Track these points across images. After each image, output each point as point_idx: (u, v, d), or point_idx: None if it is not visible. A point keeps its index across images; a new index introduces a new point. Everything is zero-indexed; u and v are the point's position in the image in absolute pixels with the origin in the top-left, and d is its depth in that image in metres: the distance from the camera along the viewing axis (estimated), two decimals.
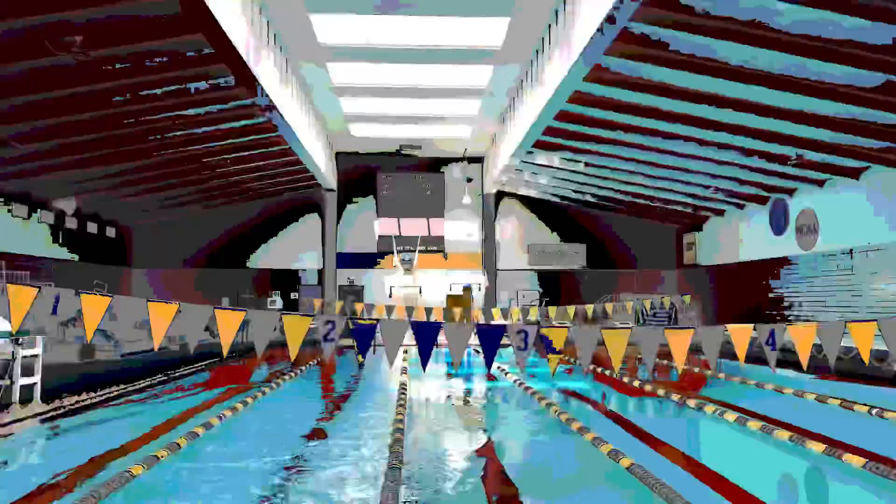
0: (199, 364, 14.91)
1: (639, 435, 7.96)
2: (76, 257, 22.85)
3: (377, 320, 5.67)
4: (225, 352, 5.40)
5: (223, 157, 20.85)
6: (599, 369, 13.40)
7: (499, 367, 14.36)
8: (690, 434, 8.76)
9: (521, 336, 5.90)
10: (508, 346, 6.07)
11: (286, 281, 27.96)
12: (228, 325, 5.31)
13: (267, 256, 27.85)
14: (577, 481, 6.09)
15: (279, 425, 8.39)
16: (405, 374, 13.01)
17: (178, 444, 6.32)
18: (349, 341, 5.82)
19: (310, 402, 10.64)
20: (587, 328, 6.46)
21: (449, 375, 13.77)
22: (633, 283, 27.15)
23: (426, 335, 5.82)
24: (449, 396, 11.78)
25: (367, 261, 28.14)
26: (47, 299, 5.61)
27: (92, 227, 23.88)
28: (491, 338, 5.90)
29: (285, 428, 8.13)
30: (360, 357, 5.62)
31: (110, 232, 25.35)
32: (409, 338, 6.02)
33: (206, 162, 20.79)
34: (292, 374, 12.82)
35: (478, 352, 16.72)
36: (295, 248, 27.90)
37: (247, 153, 20.91)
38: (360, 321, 5.64)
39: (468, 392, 12.41)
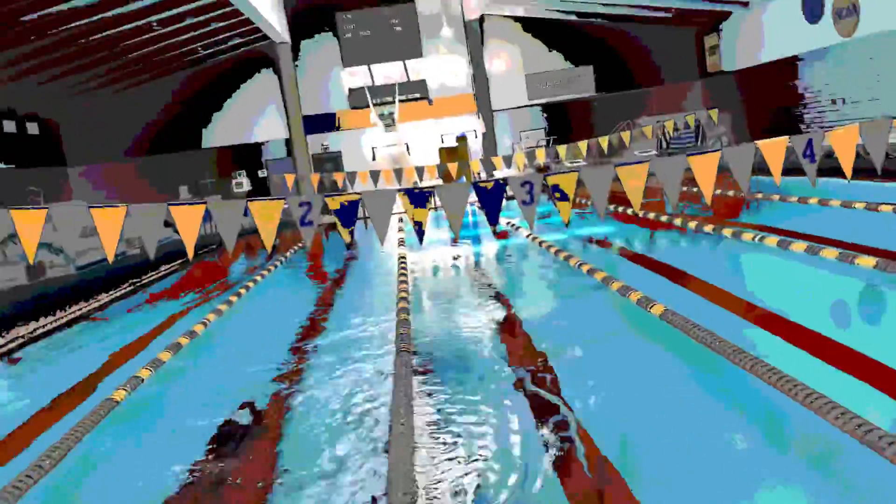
0: (167, 267, 15.13)
1: (671, 276, 8.18)
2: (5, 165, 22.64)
3: (359, 194, 5.68)
4: (190, 252, 5.46)
5: (146, 21, 20.17)
6: (620, 209, 13.54)
7: (509, 223, 14.53)
8: (728, 267, 8.98)
9: (525, 189, 5.93)
10: (514, 198, 6.11)
11: (250, 157, 27.75)
12: (188, 221, 5.34)
13: (222, 132, 27.47)
14: (608, 336, 6.32)
15: (271, 322, 8.62)
16: (402, 245, 13.22)
17: (161, 360, 6.52)
18: (333, 218, 5.84)
19: (300, 291, 10.89)
20: (598, 168, 6.48)
21: (454, 241, 13.96)
22: (652, 104, 26.85)
23: (417, 203, 5.85)
24: (456, 263, 12.00)
25: (340, 121, 27.82)
26: None
27: (9, 126, 23.38)
28: (491, 196, 5.93)
29: (278, 324, 8.35)
30: (347, 237, 5.67)
31: (32, 128, 24.81)
32: (399, 207, 6.08)
33: (124, 30, 20.15)
34: (275, 264, 13.01)
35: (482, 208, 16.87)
36: (253, 117, 27.47)
37: (173, 11, 20.22)
38: (337, 197, 5.65)
39: (477, 255, 12.64)
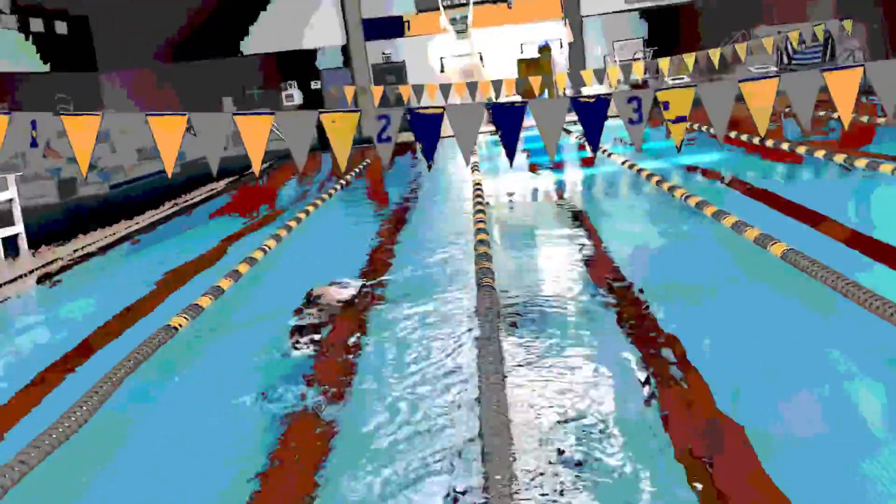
0: (211, 186, 15.51)
1: (794, 212, 8.11)
2: (42, 65, 23.19)
3: (442, 107, 5.75)
4: (257, 167, 5.63)
5: None
6: (733, 133, 13.34)
7: (602, 150, 14.49)
8: (860, 204, 8.85)
9: (632, 106, 5.91)
10: (615, 116, 6.12)
11: (301, 66, 27.88)
12: (255, 134, 5.48)
13: (268, 35, 27.56)
14: (719, 281, 6.33)
15: (338, 252, 8.84)
16: (476, 170, 13.29)
17: (221, 288, 6.78)
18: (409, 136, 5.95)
19: (366, 221, 11.07)
20: (719, 84, 6.40)
21: (533, 167, 13.99)
22: (771, 11, 26.00)
23: (508, 120, 5.90)
24: (538, 192, 12.05)
25: (405, 26, 27.67)
26: (19, 127, 5.85)
27: (36, 24, 23.86)
28: (593, 112, 5.93)
29: (345, 255, 8.57)
30: (426, 159, 5.78)
31: (60, 27, 25.30)
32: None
33: None
34: (336, 187, 13.23)
35: (568, 132, 16.81)
36: (304, 18, 27.49)
37: None
38: (421, 111, 5.74)
39: (562, 185, 12.65)
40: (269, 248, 8.59)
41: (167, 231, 11.56)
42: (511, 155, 5.96)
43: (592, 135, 6.00)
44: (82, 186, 15.00)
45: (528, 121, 5.97)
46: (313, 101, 27.73)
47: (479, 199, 10.24)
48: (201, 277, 7.75)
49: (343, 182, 13.96)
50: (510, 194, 11.82)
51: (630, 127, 6.02)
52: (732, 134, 13.26)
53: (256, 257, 8.05)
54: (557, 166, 13.96)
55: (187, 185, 15.02)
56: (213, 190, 15.32)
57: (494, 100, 18.09)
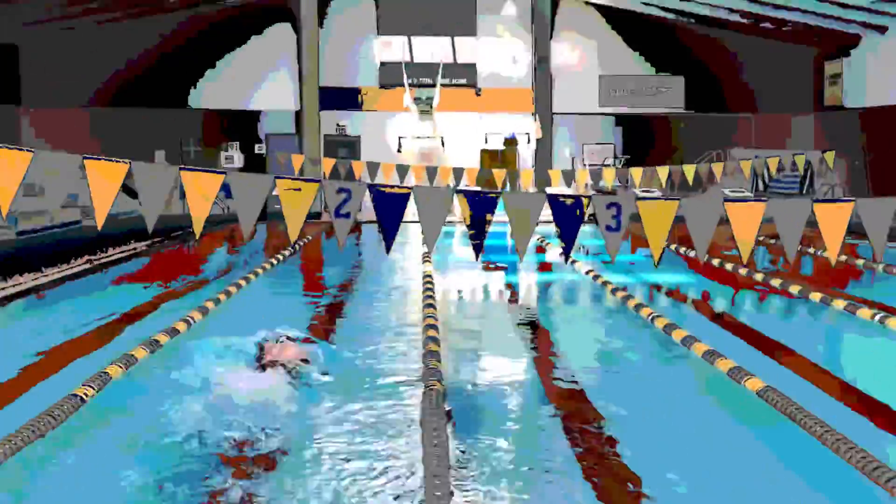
0: (131, 246, 15.22)
1: (767, 349, 8.14)
2: None
3: (408, 188, 5.71)
4: (198, 229, 5.50)
5: None
6: (690, 252, 13.55)
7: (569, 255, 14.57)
8: (839, 347, 8.94)
9: (611, 212, 5.93)
10: (592, 222, 6.17)
11: (246, 127, 27.95)
12: (201, 192, 5.38)
13: (217, 90, 27.66)
14: (689, 411, 6.29)
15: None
16: (428, 261, 13.26)
17: (134, 357, 6.55)
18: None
19: (301, 303, 10.90)
20: (703, 200, 6.48)
21: (489, 265, 14.02)
22: (750, 134, 26.91)
23: (478, 209, 5.87)
24: (491, 292, 12.03)
25: (364, 99, 27.99)
26: None
27: None
28: (569, 213, 5.94)
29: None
30: (386, 243, 5.72)
31: None
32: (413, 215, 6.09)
33: None
34: (268, 263, 13.07)
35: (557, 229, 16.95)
36: (256, 79, 27.66)
37: None
38: (385, 189, 5.69)
39: (519, 288, 12.66)
40: (193, 320, 8.38)
41: (76, 289, 11.27)
42: (479, 248, 5.92)
43: (567, 237, 5.99)
44: None
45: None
46: (254, 166, 27.65)
47: (430, 293, 10.17)
48: (113, 343, 7.53)
49: (278, 257, 13.81)
50: (460, 291, 11.80)
51: (607, 234, 6.04)
52: (691, 253, 13.47)
53: (178, 328, 7.85)
54: (509, 267, 14.01)
55: (103, 240, 14.70)
56: (133, 249, 15.04)
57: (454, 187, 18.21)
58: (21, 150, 5.29)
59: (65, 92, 26.64)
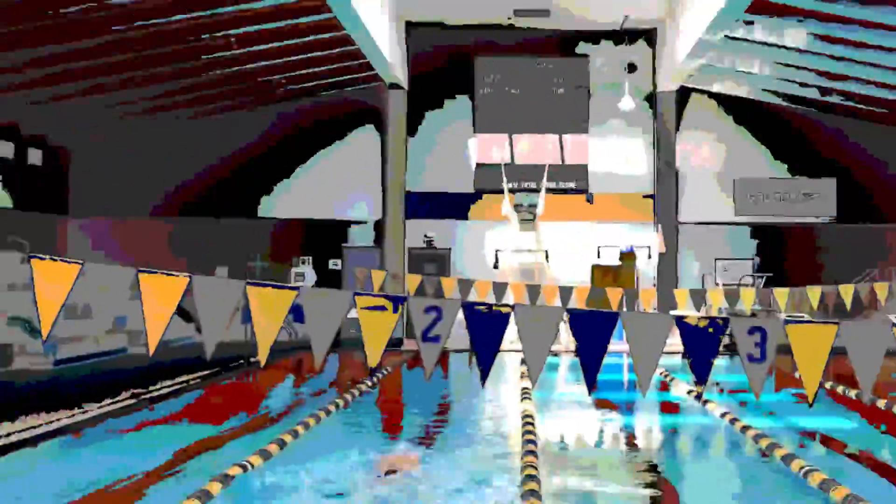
0: (181, 378, 15.41)
1: None
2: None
3: (509, 306, 5.71)
4: (263, 356, 5.56)
5: (222, 34, 21.23)
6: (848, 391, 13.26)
7: (693, 391, 14.32)
8: None
9: (754, 338, 5.84)
10: (728, 352, 6.08)
11: (322, 239, 28.42)
12: (269, 312, 5.45)
13: (290, 200, 28.32)
14: None
15: (337, 483, 8.62)
16: (527, 398, 13.15)
17: None
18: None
19: (375, 449, 10.84)
20: (866, 323, 6.35)
21: (602, 403, 13.84)
22: None
23: (591, 333, 5.83)
24: (605, 437, 11.84)
25: (457, 207, 28.25)
26: None
27: (5, 149, 24.47)
28: (703, 340, 5.86)
29: (345, 485, 8.35)
30: (481, 371, 5.71)
31: (34, 157, 26.03)
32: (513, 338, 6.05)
33: (191, 42, 21.21)
34: (342, 399, 13.12)
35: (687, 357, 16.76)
36: (335, 186, 28.24)
37: (260, 27, 21.22)
38: (481, 308, 5.70)
39: (633, 434, 12.44)
40: (252, 465, 8.42)
41: (118, 427, 11.42)
42: (592, 380, 5.86)
43: (700, 370, 5.90)
44: (19, 356, 14.95)
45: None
46: (328, 284, 27.95)
47: (530, 438, 10.05)
48: (156, 491, 7.57)
49: (353, 392, 13.85)
50: (566, 436, 11.67)
51: (749, 366, 5.93)
52: (849, 392, 13.18)
53: (231, 474, 7.88)
54: (627, 407, 13.82)
55: (151, 371, 14.91)
56: (185, 383, 15.25)
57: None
58: (67, 261, 5.44)
59: (115, 199, 27.60)
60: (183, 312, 5.81)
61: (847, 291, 16.82)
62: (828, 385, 13.63)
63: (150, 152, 27.89)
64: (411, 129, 28.22)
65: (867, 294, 17.35)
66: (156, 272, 5.52)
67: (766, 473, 9.59)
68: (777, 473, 9.24)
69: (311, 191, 28.16)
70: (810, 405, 6.17)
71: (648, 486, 9.26)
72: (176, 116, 27.13)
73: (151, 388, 14.33)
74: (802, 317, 20.65)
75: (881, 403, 12.68)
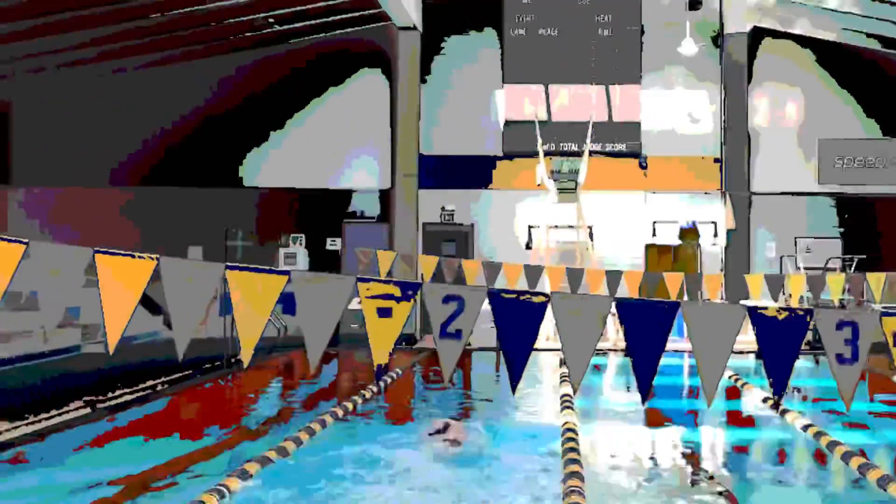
0: (147, 384, 15.45)
1: None
2: None
3: (547, 295, 5.72)
4: (248, 356, 5.58)
5: None
6: None
7: (767, 399, 14.32)
8: None
9: (843, 334, 5.84)
10: (812, 351, 6.08)
11: (318, 213, 28.45)
12: (255, 301, 5.47)
13: (278, 164, 28.33)
14: None
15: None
16: (569, 407, 13.15)
17: None
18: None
19: (381, 470, 10.87)
20: None
21: (655, 417, 13.84)
22: None
23: (645, 328, 5.84)
24: (658, 459, 11.86)
25: (482, 174, 28.24)
26: None
27: None
28: (782, 336, 5.86)
29: None
30: (511, 376, 5.72)
31: None
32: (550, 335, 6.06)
33: None
34: (343, 409, 13.14)
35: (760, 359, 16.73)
36: (335, 149, 28.23)
37: None
38: (510, 296, 5.72)
39: (696, 452, 12.44)
40: (229, 489, 8.45)
41: (69, 443, 11.45)
42: (647, 385, 5.87)
43: (777, 373, 5.90)
44: None
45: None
46: (324, 267, 27.95)
47: (573, 456, 10.05)
48: None
49: (356, 399, 13.86)
50: (616, 456, 11.66)
51: (838, 369, 5.93)
52: None
53: (205, 502, 7.92)
54: (688, 418, 13.81)
55: (111, 374, 14.92)
56: (151, 388, 15.28)
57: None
58: (8, 240, 5.45)
59: (68, 165, 27.63)
60: (149, 302, 5.81)
61: None
62: None
63: (107, 109, 27.91)
64: (426, 80, 28.20)
65: None
66: (116, 253, 5.53)
67: (859, 500, 9.59)
68: (872, 501, 9.24)
69: (303, 153, 28.21)
70: None
71: None
72: (139, 65, 27.13)
73: (110, 394, 14.36)
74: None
75: None
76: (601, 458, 11.46)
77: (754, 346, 5.96)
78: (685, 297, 18.92)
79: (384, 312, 5.66)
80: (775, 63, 27.85)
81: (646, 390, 5.96)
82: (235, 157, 28.39)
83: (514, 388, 5.91)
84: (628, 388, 15.78)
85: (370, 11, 26.18)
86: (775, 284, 18.56)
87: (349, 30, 27.74)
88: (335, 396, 14.86)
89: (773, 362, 5.93)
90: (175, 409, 14.43)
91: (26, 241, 5.53)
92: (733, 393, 15.59)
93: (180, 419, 13.85)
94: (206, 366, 16.85)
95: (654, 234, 27.51)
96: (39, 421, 12.14)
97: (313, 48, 28.19)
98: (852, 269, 25.24)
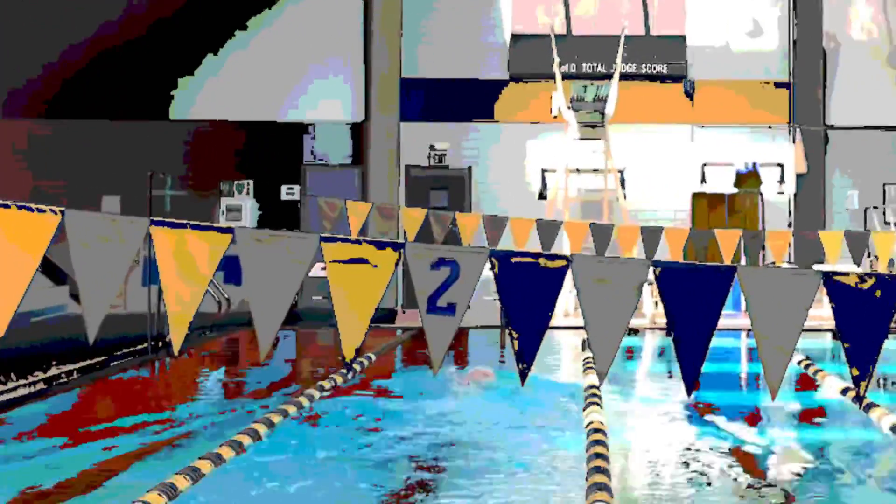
0: (49, 373, 15.49)
1: None
2: None
3: (567, 258, 5.73)
4: (178, 341, 5.60)
5: None
6: None
7: (846, 390, 14.40)
8: None
9: None
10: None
11: (270, 154, 28.47)
12: (187, 269, 5.47)
13: (218, 91, 28.33)
14: None
15: None
16: (596, 402, 13.21)
17: None
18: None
19: (360, 488, 10.94)
20: None
21: (705, 408, 13.92)
22: None
23: (692, 298, 5.86)
24: (708, 466, 11.93)
25: (481, 103, 28.29)
26: None
27: None
28: (864, 310, 5.88)
29: None
30: (521, 364, 5.75)
31: None
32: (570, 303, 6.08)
33: None
34: (292, 405, 13.19)
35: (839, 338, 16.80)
36: (292, 70, 28.24)
37: None
38: (518, 259, 5.74)
39: (756, 458, 12.51)
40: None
41: None
42: (694, 374, 5.89)
43: (860, 358, 5.92)
44: None
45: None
46: (279, 223, 27.99)
47: (601, 461, 10.11)
48: None
49: (320, 388, 13.90)
50: (655, 462, 11.71)
51: None
52: None
53: None
54: (744, 412, 13.90)
55: (2, 362, 14.96)
56: (55, 378, 15.32)
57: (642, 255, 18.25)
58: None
59: None
60: (51, 268, 5.80)
61: None
62: None
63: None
64: None
65: None
66: (9, 205, 5.53)
67: None
68: None
69: (251, 76, 28.19)
70: None
71: None
72: None
73: (1, 386, 14.42)
74: None
75: None
76: (635, 466, 11.50)
77: (831, 324, 5.93)
78: (743, 261, 19.00)
79: (356, 281, 5.67)
80: None
81: (692, 379, 5.98)
82: (163, 83, 28.38)
83: (523, 378, 5.93)
84: (670, 375, 15.87)
85: None
86: (858, 244, 18.63)
87: None
88: (290, 390, 14.82)
89: (854, 344, 5.96)
90: (84, 406, 14.47)
91: None
92: (804, 382, 15.66)
93: (91, 418, 13.85)
94: (125, 350, 16.88)
95: (703, 181, 27.58)
96: None
97: None
98: None
